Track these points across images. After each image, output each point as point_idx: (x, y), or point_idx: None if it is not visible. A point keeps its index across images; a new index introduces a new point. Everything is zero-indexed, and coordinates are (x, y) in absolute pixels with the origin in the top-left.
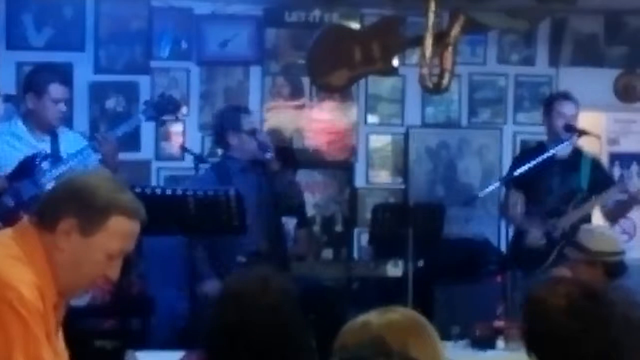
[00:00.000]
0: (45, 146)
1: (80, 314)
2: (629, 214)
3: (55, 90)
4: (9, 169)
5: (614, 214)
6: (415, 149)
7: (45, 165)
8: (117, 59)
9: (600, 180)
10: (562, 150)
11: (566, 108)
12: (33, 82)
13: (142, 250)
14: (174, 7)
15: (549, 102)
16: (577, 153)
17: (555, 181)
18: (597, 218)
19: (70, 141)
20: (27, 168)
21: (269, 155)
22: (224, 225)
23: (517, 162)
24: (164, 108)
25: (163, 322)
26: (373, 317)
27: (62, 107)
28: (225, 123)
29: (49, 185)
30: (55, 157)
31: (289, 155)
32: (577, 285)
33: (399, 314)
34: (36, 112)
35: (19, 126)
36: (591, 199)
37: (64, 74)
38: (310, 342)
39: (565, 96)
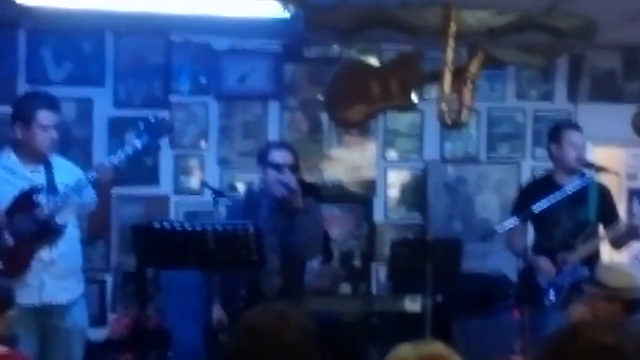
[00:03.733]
0: (39, 177)
1: (98, 348)
2: None
3: (44, 116)
4: (4, 204)
5: (621, 242)
6: (433, 184)
7: (41, 198)
8: (136, 93)
9: (609, 211)
10: (570, 181)
11: (577, 138)
12: (21, 110)
13: (160, 284)
14: (193, 42)
15: (558, 132)
16: (584, 183)
17: (564, 213)
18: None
19: (64, 170)
20: (23, 203)
21: (289, 191)
22: (242, 260)
23: (525, 194)
24: (157, 131)
25: (180, 356)
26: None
27: (52, 133)
28: (257, 156)
29: (48, 220)
30: (51, 189)
31: (314, 191)
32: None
33: (434, 348)
34: (25, 141)
35: (11, 158)
36: (599, 233)
37: (52, 100)
38: None
39: (574, 126)
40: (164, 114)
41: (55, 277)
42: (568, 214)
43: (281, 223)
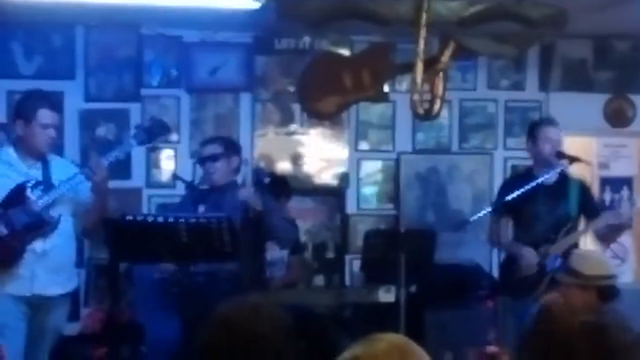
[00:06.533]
0: (36, 173)
1: (71, 343)
2: (620, 239)
3: (44, 115)
4: (0, 197)
5: (607, 238)
6: (405, 175)
7: (37, 192)
8: (107, 86)
9: (589, 205)
10: (550, 176)
11: (552, 133)
12: (22, 108)
13: (133, 278)
14: (164, 35)
15: (534, 129)
16: (564, 178)
17: (544, 208)
18: (588, 243)
19: (61, 168)
20: (19, 196)
21: (266, 180)
22: (216, 252)
23: (505, 187)
24: (155, 132)
25: (154, 350)
26: (360, 351)
27: (51, 132)
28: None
29: (42, 212)
30: (47, 184)
31: (283, 183)
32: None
33: (386, 342)
34: (26, 139)
35: (10, 154)
36: (581, 226)
37: (53, 100)
38: None
39: (550, 122)
40: (136, 107)
41: (48, 269)
42: (549, 209)
43: (231, 204)
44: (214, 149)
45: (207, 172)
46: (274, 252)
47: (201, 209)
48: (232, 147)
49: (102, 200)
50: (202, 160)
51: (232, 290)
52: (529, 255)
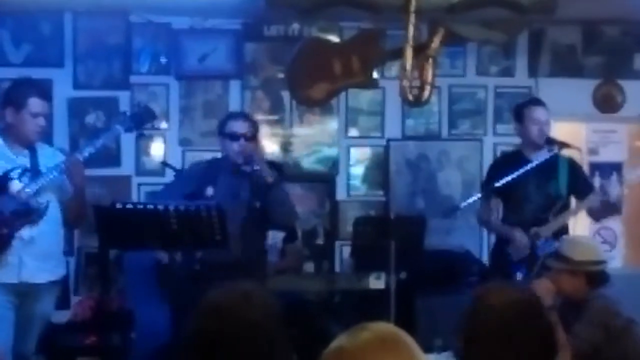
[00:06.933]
0: (24, 160)
1: (61, 331)
2: (610, 224)
3: (34, 104)
4: None
5: (599, 214)
6: (395, 161)
7: (24, 179)
8: (96, 74)
9: (580, 183)
10: (539, 156)
11: (539, 114)
12: (12, 96)
13: (122, 266)
14: (152, 22)
15: (520, 110)
16: (553, 158)
17: (533, 188)
18: (579, 223)
19: (49, 156)
20: (6, 182)
21: (255, 166)
22: (206, 239)
23: (494, 169)
24: (142, 118)
25: (143, 337)
26: (346, 342)
27: (41, 121)
28: (217, 127)
29: (29, 199)
30: (34, 171)
31: (277, 169)
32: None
33: (373, 333)
34: (15, 127)
35: None
36: (571, 206)
37: (43, 89)
38: (292, 357)
39: (536, 102)
40: (125, 94)
41: (35, 256)
42: (538, 188)
43: (241, 190)
44: (243, 126)
45: (236, 149)
46: (269, 239)
47: (209, 190)
48: (257, 128)
49: (79, 194)
50: (234, 136)
51: (225, 277)
52: (520, 238)
